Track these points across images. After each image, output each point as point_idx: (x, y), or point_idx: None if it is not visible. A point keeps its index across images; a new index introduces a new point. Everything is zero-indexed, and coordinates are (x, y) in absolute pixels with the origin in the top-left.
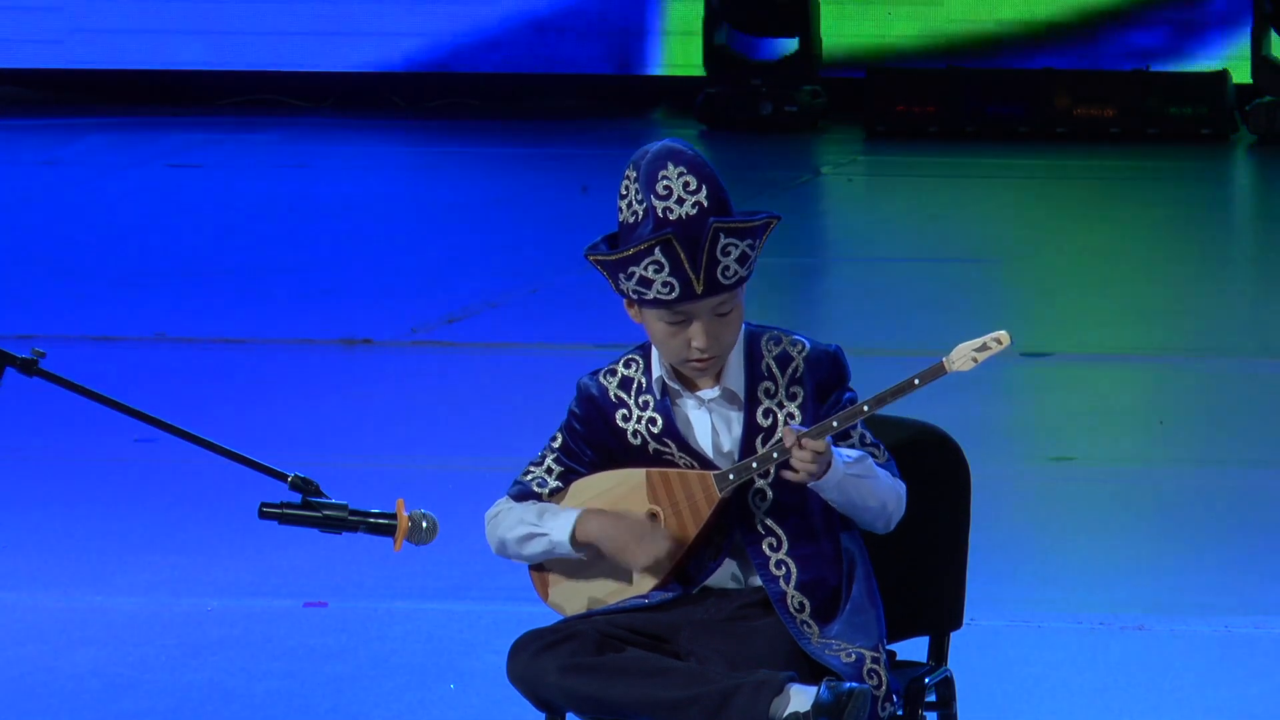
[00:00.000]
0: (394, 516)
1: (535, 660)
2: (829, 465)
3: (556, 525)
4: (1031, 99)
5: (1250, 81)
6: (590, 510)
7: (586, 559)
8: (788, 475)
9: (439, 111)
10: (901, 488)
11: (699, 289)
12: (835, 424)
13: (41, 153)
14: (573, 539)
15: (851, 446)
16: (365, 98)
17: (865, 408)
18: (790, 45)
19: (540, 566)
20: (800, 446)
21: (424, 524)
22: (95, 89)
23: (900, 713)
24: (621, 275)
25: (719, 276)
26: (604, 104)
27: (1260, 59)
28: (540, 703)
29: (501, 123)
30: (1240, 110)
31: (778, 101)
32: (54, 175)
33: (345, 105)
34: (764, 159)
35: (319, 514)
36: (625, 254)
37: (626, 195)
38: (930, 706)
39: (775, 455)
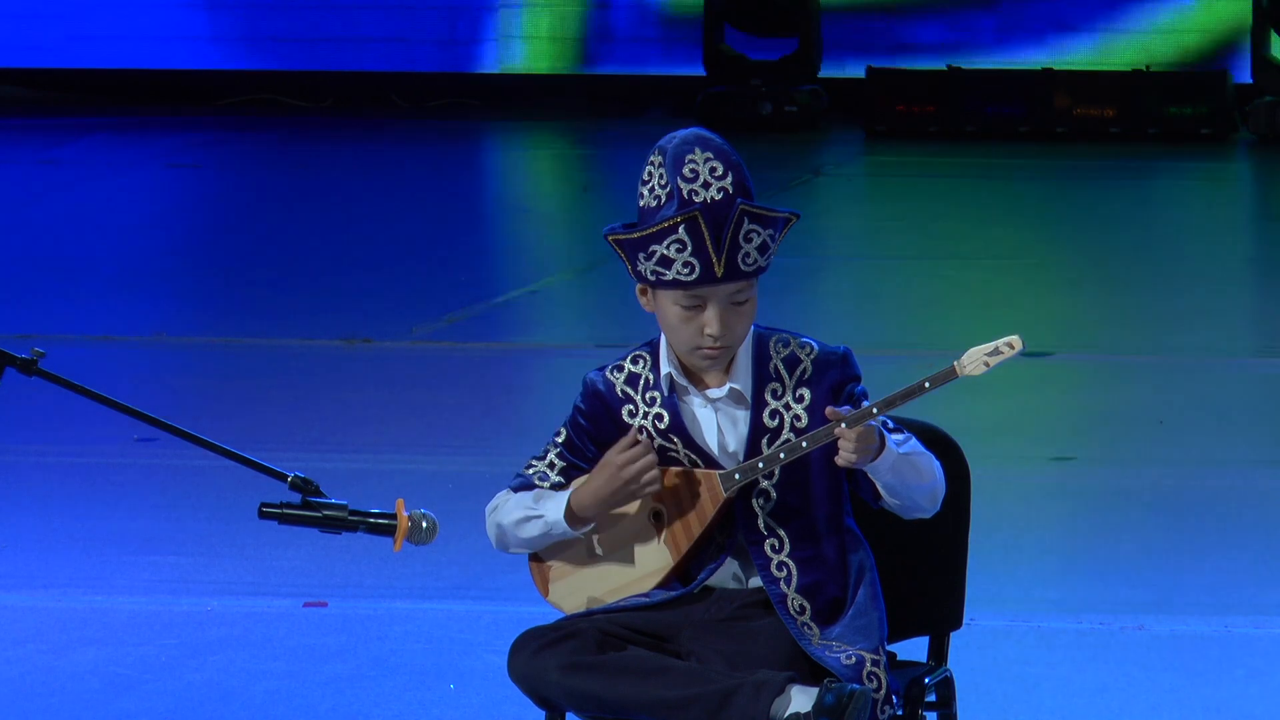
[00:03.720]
0: (394, 516)
1: (536, 659)
2: (880, 450)
3: (552, 505)
4: (1031, 99)
5: (1250, 81)
6: (578, 488)
7: (584, 539)
8: (837, 460)
9: (439, 111)
10: (938, 463)
11: (719, 271)
12: (875, 410)
13: (41, 153)
14: (568, 515)
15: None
16: (365, 98)
17: (874, 410)
18: (790, 45)
19: (539, 559)
20: (842, 430)
21: (424, 524)
22: (95, 89)
23: (900, 713)
24: (641, 255)
25: (739, 262)
26: (604, 104)
27: (1260, 59)
28: (541, 701)
29: (502, 123)
30: (1240, 110)
31: (778, 101)
32: (54, 175)
33: (345, 105)
34: (764, 159)
35: (319, 514)
36: (649, 230)
37: (650, 180)
38: (930, 706)
39: (783, 455)
